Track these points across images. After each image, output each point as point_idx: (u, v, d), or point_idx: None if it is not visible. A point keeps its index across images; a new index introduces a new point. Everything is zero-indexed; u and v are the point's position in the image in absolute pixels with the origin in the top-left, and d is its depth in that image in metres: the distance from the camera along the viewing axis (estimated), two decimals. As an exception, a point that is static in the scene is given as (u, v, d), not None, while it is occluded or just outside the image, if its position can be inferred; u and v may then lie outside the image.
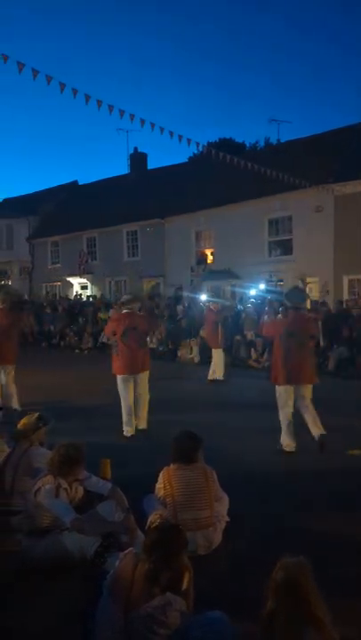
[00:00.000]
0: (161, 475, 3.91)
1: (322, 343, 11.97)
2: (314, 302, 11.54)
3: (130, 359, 6.92)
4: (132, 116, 10.47)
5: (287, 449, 6.10)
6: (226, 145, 31.84)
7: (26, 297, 25.88)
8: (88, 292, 26.22)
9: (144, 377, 7.16)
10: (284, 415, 6.16)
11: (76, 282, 27.76)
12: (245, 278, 19.76)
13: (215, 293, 16.66)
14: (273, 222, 20.17)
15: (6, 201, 34.88)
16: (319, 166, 18.46)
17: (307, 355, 6.15)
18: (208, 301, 13.32)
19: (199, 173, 24.31)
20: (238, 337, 14.42)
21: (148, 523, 3.59)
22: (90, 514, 3.59)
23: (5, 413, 7.28)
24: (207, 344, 12.35)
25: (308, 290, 17.68)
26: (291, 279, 18.65)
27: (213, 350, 11.34)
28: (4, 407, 7.57)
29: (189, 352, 15.10)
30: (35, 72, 8.93)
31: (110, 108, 10.06)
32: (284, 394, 6.17)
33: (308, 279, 18.88)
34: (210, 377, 11.36)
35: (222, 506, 3.95)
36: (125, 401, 6.93)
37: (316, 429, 6.09)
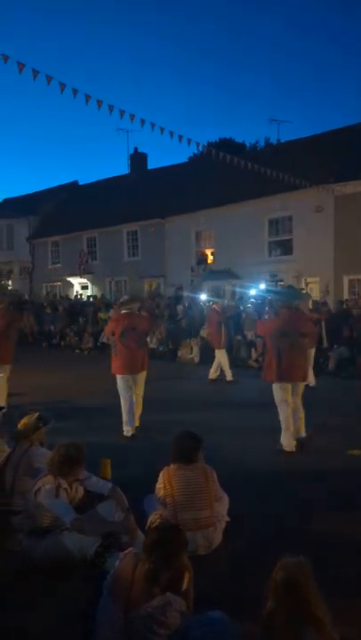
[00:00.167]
0: (161, 475, 3.91)
1: (326, 344, 11.94)
2: (315, 302, 11.50)
3: (129, 359, 6.94)
4: (132, 116, 10.48)
5: (287, 449, 6.10)
6: (226, 145, 31.84)
7: (26, 297, 25.96)
8: (88, 292, 26.23)
9: (142, 377, 7.20)
10: (284, 414, 6.17)
11: (77, 282, 27.76)
12: (245, 278, 19.76)
13: (215, 293, 16.67)
14: (273, 222, 20.17)
15: (6, 201, 34.91)
16: (319, 166, 18.46)
17: (299, 353, 6.17)
18: (211, 301, 13.32)
19: (199, 173, 24.32)
20: (239, 337, 14.41)
21: (148, 523, 3.59)
22: (90, 514, 3.59)
23: (5, 413, 7.27)
24: (210, 344, 12.33)
25: (308, 290, 17.70)
26: (291, 279, 18.66)
27: (217, 351, 11.31)
28: (4, 407, 7.56)
29: (189, 352, 15.10)
30: (35, 72, 8.94)
31: (110, 108, 10.07)
32: (280, 391, 6.19)
33: (309, 279, 18.90)
34: (211, 376, 11.36)
35: (222, 506, 3.95)
36: (125, 401, 6.94)
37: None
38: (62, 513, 3.42)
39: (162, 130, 11.06)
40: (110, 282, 25.88)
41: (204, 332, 15.29)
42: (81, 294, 25.50)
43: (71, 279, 27.85)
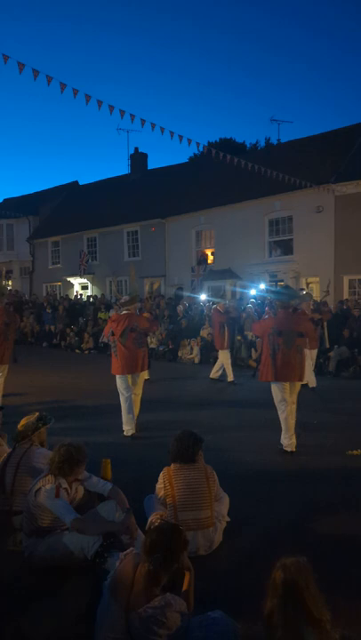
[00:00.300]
0: (161, 475, 3.91)
1: (328, 344, 11.92)
2: (316, 303, 11.46)
3: (129, 359, 6.95)
4: (132, 117, 10.52)
5: (288, 448, 6.10)
6: (226, 145, 31.85)
7: (26, 297, 25.95)
8: (88, 292, 26.22)
9: (142, 377, 7.20)
10: (283, 414, 6.17)
11: (77, 282, 27.75)
12: (245, 278, 19.76)
13: (215, 293, 16.64)
14: (273, 222, 20.16)
15: (7, 201, 34.87)
16: (319, 166, 18.46)
17: (295, 353, 6.17)
18: (211, 301, 13.28)
19: (199, 173, 24.32)
20: (239, 337, 14.41)
21: (148, 523, 3.59)
22: (90, 514, 3.59)
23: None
24: (213, 344, 12.32)
25: (309, 290, 17.70)
26: (291, 279, 18.66)
27: (220, 351, 11.27)
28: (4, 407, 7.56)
29: (190, 352, 15.10)
30: (35, 72, 8.96)
31: (111, 108, 10.09)
32: (277, 391, 6.20)
33: (309, 279, 18.89)
34: (212, 375, 11.36)
35: (223, 506, 3.95)
36: (125, 400, 6.95)
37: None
38: (62, 513, 3.42)
39: (162, 130, 11.09)
40: (110, 282, 25.87)
41: (204, 332, 15.31)
42: (81, 294, 25.48)
43: (71, 279, 27.84)
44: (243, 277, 20.02)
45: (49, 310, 21.21)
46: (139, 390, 7.19)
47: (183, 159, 44.21)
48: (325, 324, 11.41)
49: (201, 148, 16.74)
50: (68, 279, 27.98)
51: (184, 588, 2.71)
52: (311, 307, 10.09)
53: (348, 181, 17.50)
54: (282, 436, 6.19)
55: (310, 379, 9.99)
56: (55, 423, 4.49)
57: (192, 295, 19.60)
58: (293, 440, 6.11)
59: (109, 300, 21.85)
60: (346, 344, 12.61)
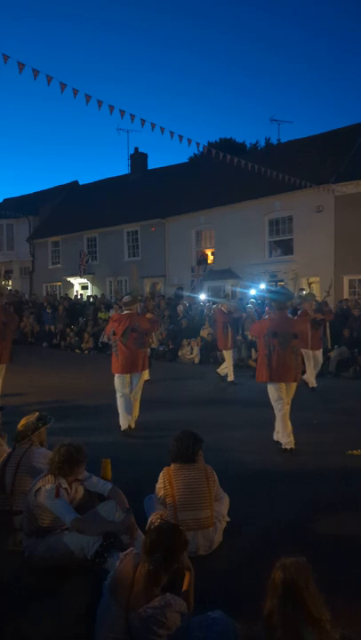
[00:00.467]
0: (161, 475, 3.91)
1: (329, 345, 11.91)
2: (318, 303, 11.44)
3: (129, 359, 6.97)
4: (132, 117, 10.52)
5: (286, 446, 6.11)
6: (226, 145, 31.84)
7: (26, 297, 25.94)
8: (88, 292, 26.21)
9: (142, 378, 7.21)
10: (280, 412, 6.19)
11: (77, 282, 27.75)
12: (245, 278, 19.76)
13: (215, 293, 16.62)
14: (273, 222, 20.16)
15: (7, 201, 34.87)
16: (319, 166, 18.46)
17: (290, 354, 6.18)
18: (212, 301, 13.25)
19: (199, 173, 24.31)
20: (239, 337, 14.41)
21: (148, 523, 3.59)
22: (90, 514, 3.59)
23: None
24: (215, 345, 12.33)
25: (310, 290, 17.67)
26: (291, 279, 18.66)
27: (224, 352, 11.26)
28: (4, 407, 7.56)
29: (190, 352, 15.10)
30: (35, 72, 8.97)
31: (111, 108, 10.09)
32: (273, 390, 6.23)
33: (310, 279, 18.88)
34: (219, 370, 11.49)
35: (223, 506, 3.95)
36: (121, 397, 7.00)
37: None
38: (62, 513, 3.42)
39: (162, 130, 11.09)
40: (110, 282, 25.87)
41: (204, 332, 15.31)
42: (81, 294, 25.48)
43: (71, 279, 27.84)
44: (243, 277, 20.02)
45: (49, 310, 21.20)
46: (138, 389, 7.20)
47: (183, 159, 44.24)
48: (328, 324, 11.39)
49: (201, 148, 16.75)
50: (68, 279, 27.98)
51: (184, 588, 2.71)
52: (313, 307, 10.07)
53: (348, 181, 17.50)
54: (279, 435, 6.23)
55: (311, 379, 9.99)
56: (55, 423, 4.49)
57: (192, 295, 19.60)
58: (292, 437, 6.13)
59: (109, 299, 21.85)
60: (346, 344, 12.61)
